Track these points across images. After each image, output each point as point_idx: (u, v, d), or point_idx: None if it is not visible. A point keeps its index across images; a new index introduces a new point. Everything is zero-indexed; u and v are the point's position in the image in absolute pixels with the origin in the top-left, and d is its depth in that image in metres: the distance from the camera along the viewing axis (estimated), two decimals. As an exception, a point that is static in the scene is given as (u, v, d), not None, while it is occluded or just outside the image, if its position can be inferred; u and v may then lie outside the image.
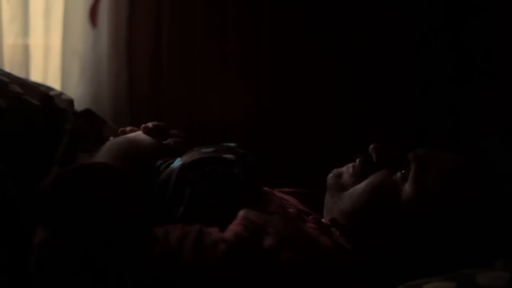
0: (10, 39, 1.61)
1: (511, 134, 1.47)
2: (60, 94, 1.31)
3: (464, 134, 1.65)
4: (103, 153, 0.96)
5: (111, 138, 1.12)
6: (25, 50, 1.64)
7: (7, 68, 1.53)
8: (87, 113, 1.32)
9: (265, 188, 1.04)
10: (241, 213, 0.86)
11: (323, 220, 0.99)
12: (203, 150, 0.99)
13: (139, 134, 1.08)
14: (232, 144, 1.06)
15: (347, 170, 1.00)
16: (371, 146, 0.99)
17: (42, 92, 1.19)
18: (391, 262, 0.89)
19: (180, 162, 0.95)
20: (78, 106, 1.36)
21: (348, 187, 0.97)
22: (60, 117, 1.16)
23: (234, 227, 0.82)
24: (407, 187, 0.91)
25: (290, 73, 1.70)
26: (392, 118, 1.70)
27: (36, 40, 1.66)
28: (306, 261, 0.80)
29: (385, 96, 1.70)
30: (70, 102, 1.27)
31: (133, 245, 0.76)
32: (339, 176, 1.00)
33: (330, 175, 1.02)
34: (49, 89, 1.30)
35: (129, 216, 0.80)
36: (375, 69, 1.70)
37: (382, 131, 1.66)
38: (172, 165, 0.96)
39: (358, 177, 0.97)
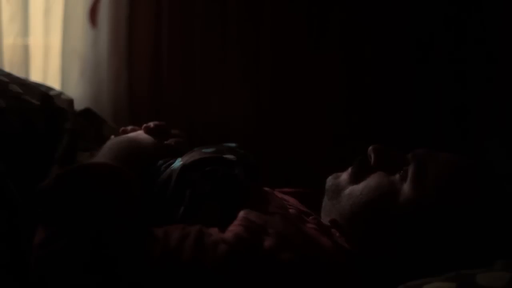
0: (10, 39, 1.61)
1: (511, 135, 1.47)
2: (60, 94, 1.31)
3: (464, 135, 1.65)
4: (104, 153, 0.96)
5: (112, 137, 1.12)
6: (25, 50, 1.64)
7: (7, 68, 1.53)
8: (86, 113, 1.32)
9: (266, 189, 1.04)
10: (241, 213, 0.86)
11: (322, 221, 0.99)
12: (203, 150, 0.99)
13: (140, 133, 1.08)
14: (233, 145, 1.07)
15: (345, 171, 1.00)
16: (369, 148, 0.99)
17: (42, 92, 1.19)
18: (391, 262, 0.89)
19: (181, 163, 0.95)
20: (78, 106, 1.36)
21: (346, 187, 0.97)
22: (60, 117, 1.16)
23: (234, 228, 0.82)
24: (406, 187, 0.91)
25: (290, 73, 1.70)
26: (392, 119, 1.69)
27: (36, 40, 1.66)
28: (306, 261, 0.80)
29: (386, 97, 1.70)
30: (70, 102, 1.26)
31: (134, 246, 0.76)
32: (337, 178, 1.00)
33: (329, 177, 1.02)
34: (49, 89, 1.30)
35: (130, 216, 0.80)
36: (376, 69, 1.70)
37: (382, 132, 1.66)
38: (173, 165, 0.96)
39: (356, 178, 0.97)
